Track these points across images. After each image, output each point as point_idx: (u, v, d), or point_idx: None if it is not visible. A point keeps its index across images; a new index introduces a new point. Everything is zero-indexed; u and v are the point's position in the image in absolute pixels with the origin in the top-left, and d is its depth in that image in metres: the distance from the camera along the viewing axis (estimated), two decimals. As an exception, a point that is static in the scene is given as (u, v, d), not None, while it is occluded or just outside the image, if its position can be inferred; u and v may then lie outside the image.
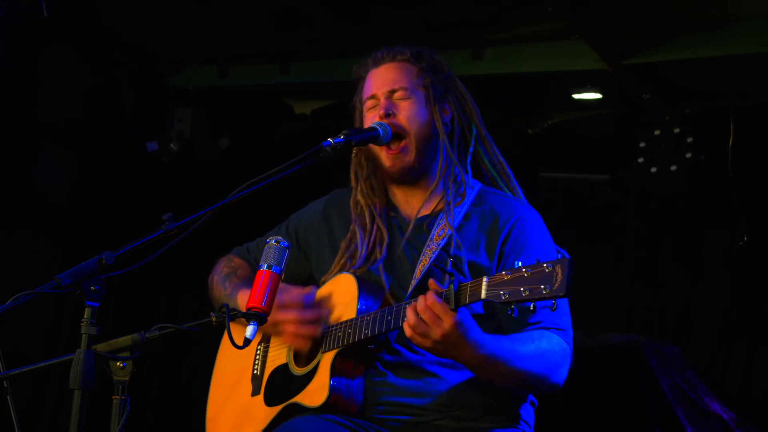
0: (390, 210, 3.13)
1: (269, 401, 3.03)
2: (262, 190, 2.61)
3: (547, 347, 2.78)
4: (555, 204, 5.85)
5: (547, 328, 2.82)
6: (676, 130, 5.34)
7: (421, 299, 2.60)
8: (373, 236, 3.07)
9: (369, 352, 2.88)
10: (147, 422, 6.16)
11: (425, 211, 3.06)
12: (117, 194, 5.92)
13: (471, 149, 3.11)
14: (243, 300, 3.09)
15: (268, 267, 2.45)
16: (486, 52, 5.32)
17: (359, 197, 3.15)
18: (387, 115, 3.01)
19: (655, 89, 5.32)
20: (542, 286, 2.38)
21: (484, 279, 2.50)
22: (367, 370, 2.89)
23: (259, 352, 3.19)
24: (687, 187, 5.41)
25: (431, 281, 2.62)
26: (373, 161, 3.12)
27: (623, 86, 5.39)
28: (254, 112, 6.29)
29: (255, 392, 3.12)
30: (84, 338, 2.26)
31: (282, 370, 3.06)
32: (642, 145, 5.43)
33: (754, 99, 5.38)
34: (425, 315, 2.58)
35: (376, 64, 3.13)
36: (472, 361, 2.69)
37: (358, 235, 3.08)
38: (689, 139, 5.30)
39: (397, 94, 3.05)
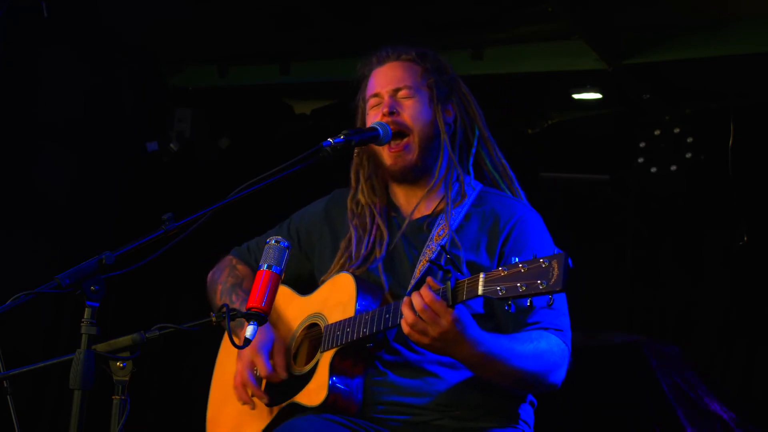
0: (390, 210, 3.13)
1: (269, 401, 3.03)
2: (262, 190, 2.60)
3: (545, 347, 2.78)
4: (555, 204, 5.83)
5: (546, 329, 2.82)
6: (676, 130, 5.33)
7: (416, 296, 2.59)
8: (372, 235, 3.07)
9: (368, 350, 2.88)
10: (147, 422, 6.16)
11: (426, 211, 3.06)
12: (117, 194, 5.92)
13: (473, 151, 3.12)
14: None
15: (268, 267, 2.44)
16: (486, 52, 5.32)
17: (359, 196, 3.15)
18: (391, 112, 3.01)
19: (655, 89, 5.32)
20: (539, 281, 2.38)
21: (481, 275, 2.49)
22: (367, 370, 2.89)
23: (259, 352, 3.19)
24: (687, 187, 5.40)
25: (429, 279, 2.62)
26: (375, 161, 3.12)
27: (623, 86, 5.38)
28: (254, 112, 6.28)
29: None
30: (84, 338, 2.26)
31: (282, 369, 3.06)
32: (642, 145, 5.42)
33: (754, 99, 5.37)
34: (423, 312, 2.57)
35: (381, 62, 3.13)
36: (471, 358, 2.69)
37: (357, 235, 3.08)
38: (689, 139, 5.29)
39: (401, 93, 3.05)
